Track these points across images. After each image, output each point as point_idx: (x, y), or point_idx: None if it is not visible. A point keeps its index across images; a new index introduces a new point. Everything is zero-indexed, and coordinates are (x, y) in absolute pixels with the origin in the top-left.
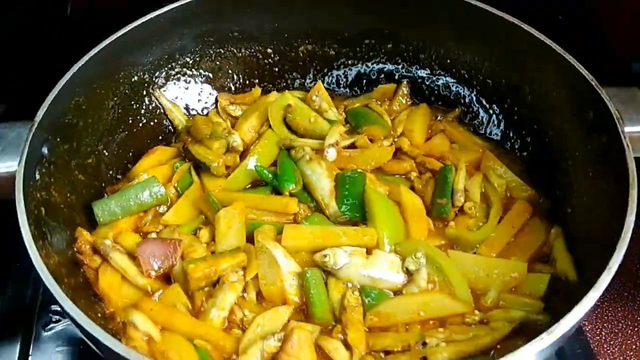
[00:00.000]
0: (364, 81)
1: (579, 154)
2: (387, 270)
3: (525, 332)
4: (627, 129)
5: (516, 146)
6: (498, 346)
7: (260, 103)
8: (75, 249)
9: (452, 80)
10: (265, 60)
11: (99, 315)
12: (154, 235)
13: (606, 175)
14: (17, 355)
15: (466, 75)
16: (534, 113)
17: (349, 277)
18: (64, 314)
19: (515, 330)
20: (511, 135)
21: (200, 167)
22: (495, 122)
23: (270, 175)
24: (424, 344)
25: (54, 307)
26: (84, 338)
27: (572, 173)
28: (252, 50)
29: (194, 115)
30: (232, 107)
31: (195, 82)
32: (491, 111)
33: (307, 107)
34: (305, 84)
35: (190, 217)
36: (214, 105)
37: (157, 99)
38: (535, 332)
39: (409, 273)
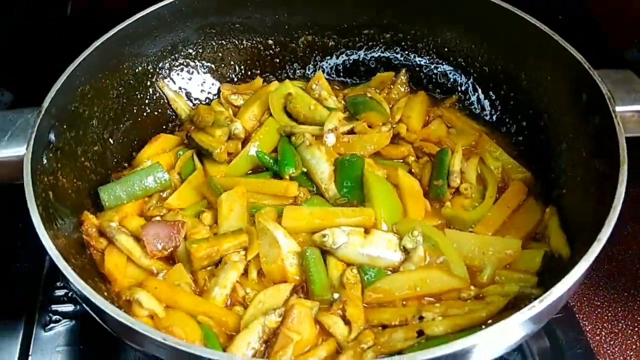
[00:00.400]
0: (363, 70)
1: (573, 136)
2: (385, 249)
3: (520, 306)
4: (618, 108)
5: (512, 130)
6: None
7: (262, 92)
8: (81, 232)
9: (450, 68)
10: (267, 52)
11: (105, 294)
12: (158, 218)
13: (599, 154)
14: (17, 355)
15: (463, 63)
16: (529, 98)
17: (347, 256)
18: (71, 292)
19: (510, 304)
20: (507, 120)
21: (203, 154)
22: (492, 108)
23: (271, 161)
24: (421, 318)
25: (54, 307)
26: (91, 312)
27: (567, 154)
28: (254, 42)
29: (197, 104)
30: (234, 97)
31: (198, 73)
32: (488, 97)
33: (307, 95)
34: (306, 73)
35: (193, 201)
36: (217, 95)
37: (160, 89)
38: None
39: (406, 251)
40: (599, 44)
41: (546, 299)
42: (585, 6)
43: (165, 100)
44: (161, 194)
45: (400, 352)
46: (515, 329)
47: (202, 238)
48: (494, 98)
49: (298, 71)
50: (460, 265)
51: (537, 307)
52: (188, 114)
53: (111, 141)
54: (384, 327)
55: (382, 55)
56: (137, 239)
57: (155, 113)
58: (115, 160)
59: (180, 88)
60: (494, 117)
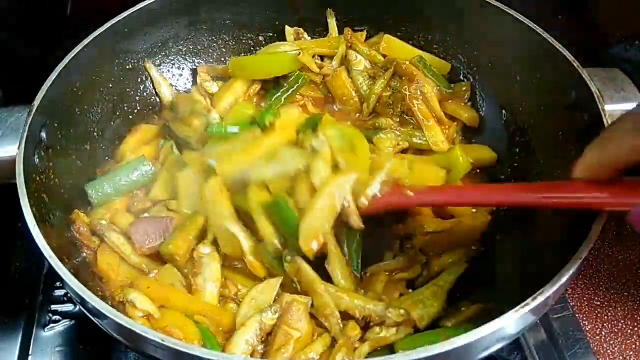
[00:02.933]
0: None
1: (562, 134)
2: None
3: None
4: (607, 107)
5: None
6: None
7: (234, 80)
8: (73, 232)
9: None
10: (257, 48)
11: (100, 295)
12: (146, 215)
13: None
14: (17, 355)
15: (453, 60)
16: (519, 96)
17: None
18: (68, 292)
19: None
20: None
21: (182, 144)
22: (480, 106)
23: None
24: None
25: (54, 307)
26: (87, 313)
27: (555, 153)
28: (245, 38)
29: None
30: (208, 84)
31: (189, 69)
32: (477, 95)
33: None
34: None
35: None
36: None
37: (148, 71)
38: None
39: None
40: (599, 45)
41: (538, 297)
42: (585, 6)
43: (157, 100)
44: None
45: (392, 346)
46: (508, 326)
47: (171, 238)
48: (483, 95)
49: None
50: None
51: (530, 304)
52: (170, 100)
53: (102, 139)
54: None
55: None
56: (128, 236)
57: (146, 110)
58: (106, 158)
59: (171, 85)
60: (482, 114)
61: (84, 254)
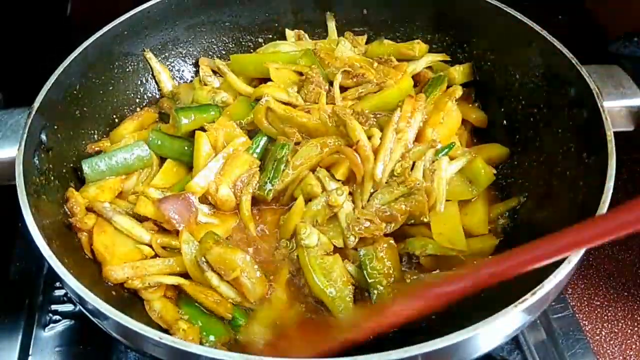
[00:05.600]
0: None
1: (562, 131)
2: None
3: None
4: (606, 103)
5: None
6: None
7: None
8: (65, 209)
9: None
10: (257, 49)
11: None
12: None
13: (587, 147)
14: (17, 355)
15: (450, 58)
16: (519, 94)
17: None
18: (67, 292)
19: None
20: (496, 115)
21: None
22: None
23: None
24: None
25: (54, 307)
26: (87, 313)
27: (556, 149)
28: (244, 40)
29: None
30: (210, 79)
31: (189, 71)
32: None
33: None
34: None
35: (179, 178)
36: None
37: (148, 61)
38: None
39: None
40: (599, 44)
41: (538, 292)
42: (586, 6)
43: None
44: (140, 172)
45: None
46: (507, 322)
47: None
48: (482, 94)
49: None
50: None
51: (529, 299)
52: (170, 89)
53: (103, 141)
54: None
55: None
56: (135, 218)
57: (147, 113)
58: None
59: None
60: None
61: (84, 252)
